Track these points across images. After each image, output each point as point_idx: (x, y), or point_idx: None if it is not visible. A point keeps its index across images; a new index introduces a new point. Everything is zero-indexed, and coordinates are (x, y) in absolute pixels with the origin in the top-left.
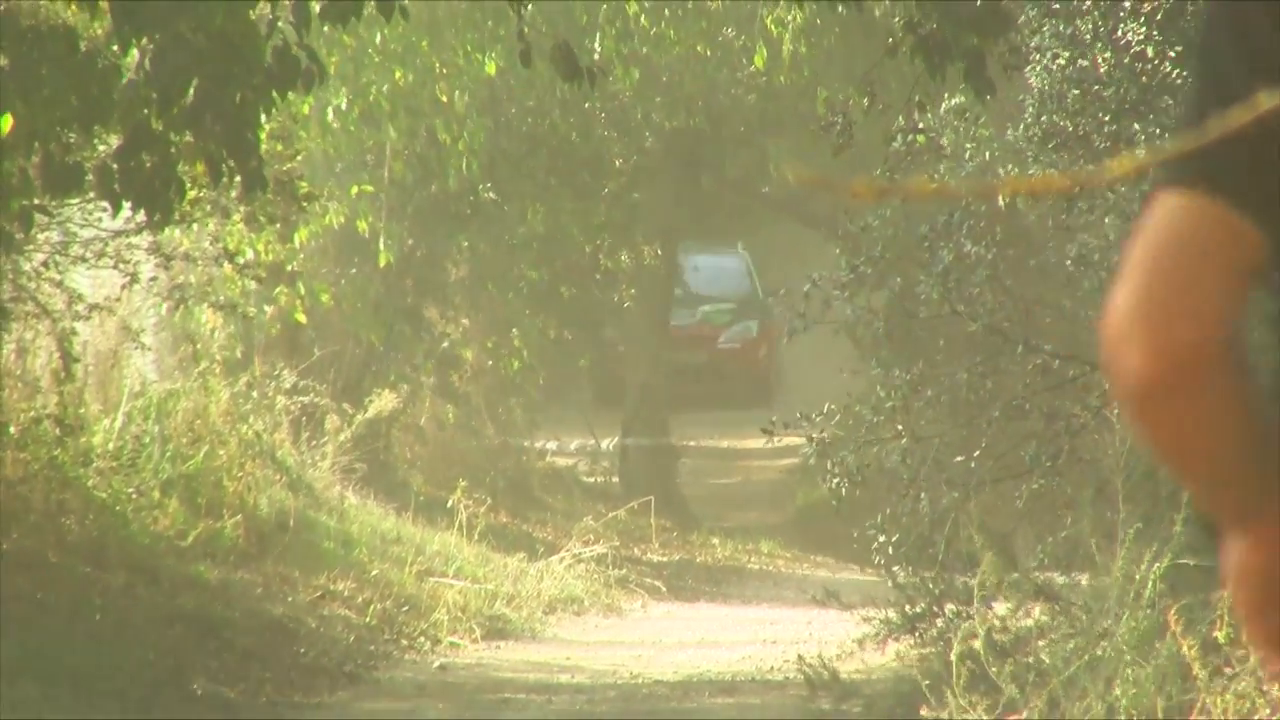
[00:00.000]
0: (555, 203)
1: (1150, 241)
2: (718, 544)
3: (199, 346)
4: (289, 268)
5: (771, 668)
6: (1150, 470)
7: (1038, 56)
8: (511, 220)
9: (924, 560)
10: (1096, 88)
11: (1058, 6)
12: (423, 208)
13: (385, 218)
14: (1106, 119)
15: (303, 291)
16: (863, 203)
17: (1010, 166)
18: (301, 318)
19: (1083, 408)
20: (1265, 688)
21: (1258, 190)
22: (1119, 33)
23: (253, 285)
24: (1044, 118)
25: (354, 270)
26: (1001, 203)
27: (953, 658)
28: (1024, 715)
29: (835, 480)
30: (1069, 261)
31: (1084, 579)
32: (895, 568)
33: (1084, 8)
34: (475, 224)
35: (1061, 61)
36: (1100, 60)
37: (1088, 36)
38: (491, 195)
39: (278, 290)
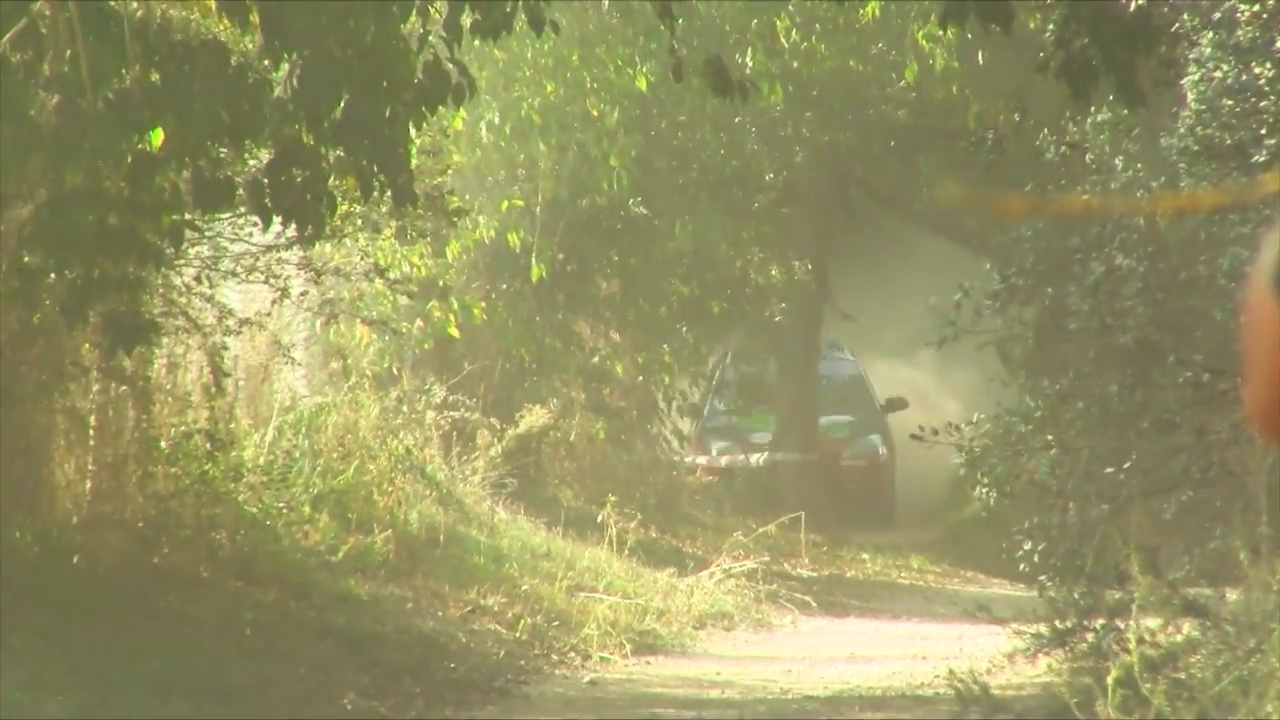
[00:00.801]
0: (705, 217)
1: (1271, 358)
2: (868, 559)
3: (349, 361)
4: (441, 282)
5: (922, 683)
6: None
7: (1195, 68)
8: (661, 235)
9: (1072, 572)
10: (1254, 99)
11: (1218, 17)
12: (573, 223)
13: (537, 233)
14: (1264, 131)
15: (455, 306)
16: (1014, 218)
17: (1161, 179)
18: (454, 332)
19: (1233, 422)
20: None
21: None
22: (1278, 44)
23: (404, 300)
24: (1199, 130)
25: (505, 285)
26: (1158, 219)
27: (1109, 681)
28: None
29: (984, 490)
30: (1221, 275)
31: (1232, 594)
32: (1044, 579)
33: (1244, 18)
34: (625, 239)
35: (1222, 73)
36: (1259, 71)
37: (1246, 47)
38: (642, 210)
39: (430, 305)
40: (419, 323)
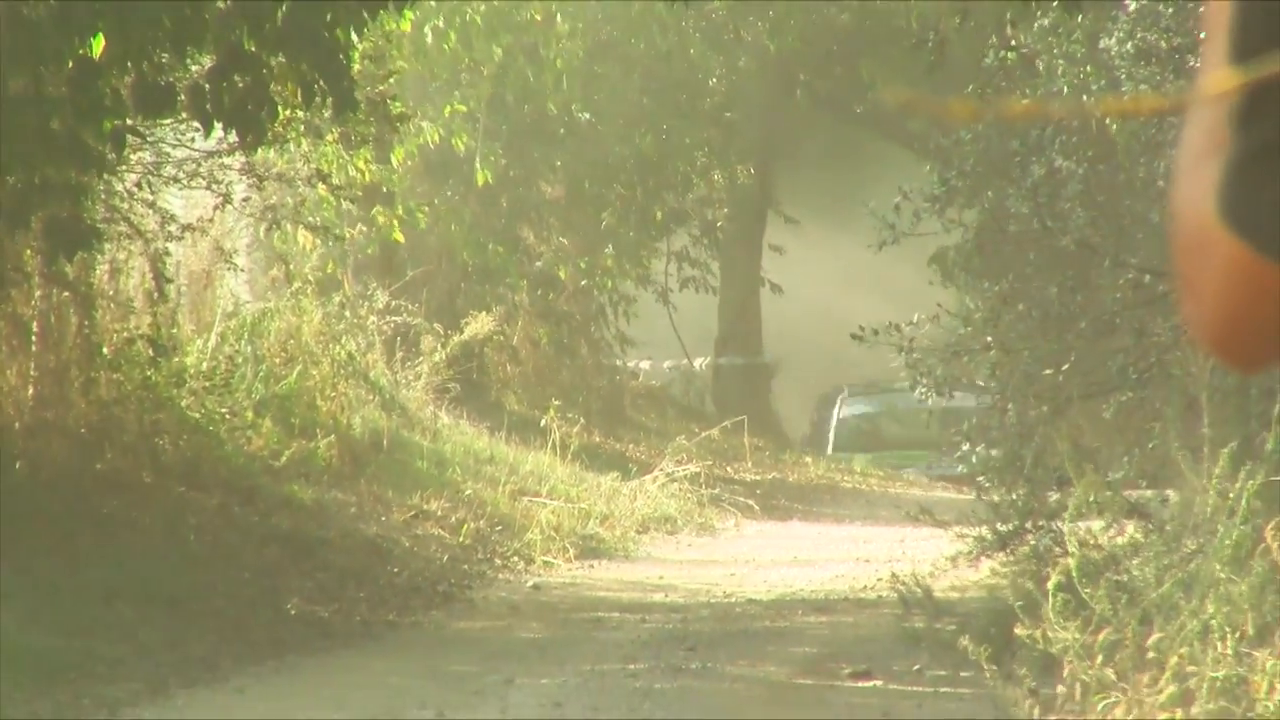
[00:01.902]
0: (649, 123)
1: (1221, 289)
2: (810, 463)
3: (292, 267)
4: (385, 188)
5: (865, 586)
6: (1241, 386)
7: None
8: (606, 140)
9: (1012, 475)
10: (1191, 4)
11: None
12: (518, 128)
13: (481, 138)
14: (1201, 36)
15: (399, 211)
16: (957, 121)
17: (1102, 82)
18: (399, 236)
19: (1172, 324)
20: None
21: None
22: None
23: (347, 205)
24: (1138, 34)
25: (449, 192)
26: (1094, 123)
27: (1049, 585)
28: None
29: (924, 391)
30: (1159, 178)
31: (1173, 495)
32: (984, 481)
33: None
34: (570, 144)
35: None
36: None
37: None
38: (586, 115)
39: (375, 210)
40: (361, 228)
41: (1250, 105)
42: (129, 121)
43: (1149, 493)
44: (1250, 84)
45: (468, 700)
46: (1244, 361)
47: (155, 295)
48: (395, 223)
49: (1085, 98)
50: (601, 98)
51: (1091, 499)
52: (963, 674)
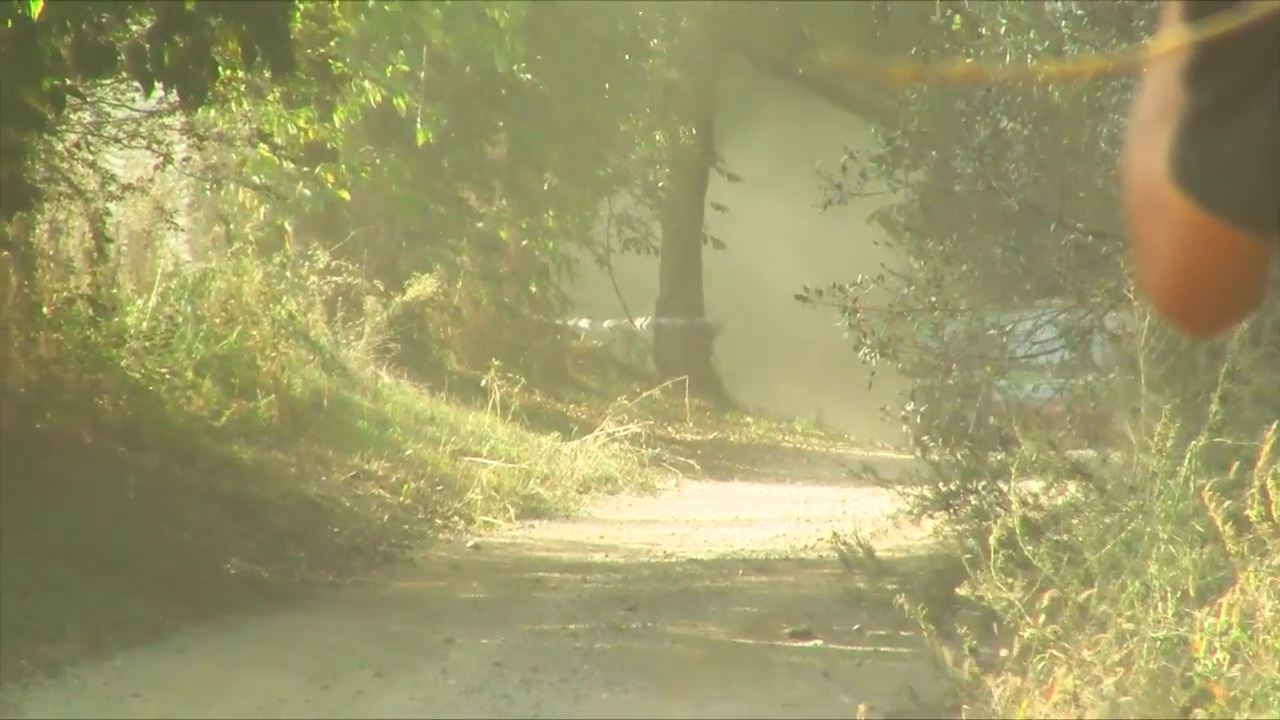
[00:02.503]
0: (592, 83)
1: (1174, 253)
2: (751, 423)
3: (232, 227)
4: (329, 145)
5: (806, 546)
6: (1186, 349)
7: None
8: (548, 101)
9: (955, 435)
10: None
11: None
12: (461, 89)
13: (422, 98)
14: None
15: (342, 170)
16: (899, 84)
17: (1046, 44)
18: (345, 194)
19: (1116, 284)
20: None
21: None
22: None
23: (289, 165)
24: None
25: (391, 153)
26: (1036, 86)
27: (991, 543)
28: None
29: (866, 352)
30: (1103, 140)
31: (1115, 456)
32: (927, 441)
33: None
34: (513, 105)
35: None
36: None
37: None
38: (528, 76)
39: (318, 169)
40: (304, 189)
41: (1201, 65)
42: (69, 81)
43: (1091, 453)
44: (1201, 44)
45: (408, 660)
46: (1197, 325)
47: (95, 255)
48: (338, 181)
49: (1029, 60)
50: (544, 58)
51: (1034, 459)
52: (903, 633)
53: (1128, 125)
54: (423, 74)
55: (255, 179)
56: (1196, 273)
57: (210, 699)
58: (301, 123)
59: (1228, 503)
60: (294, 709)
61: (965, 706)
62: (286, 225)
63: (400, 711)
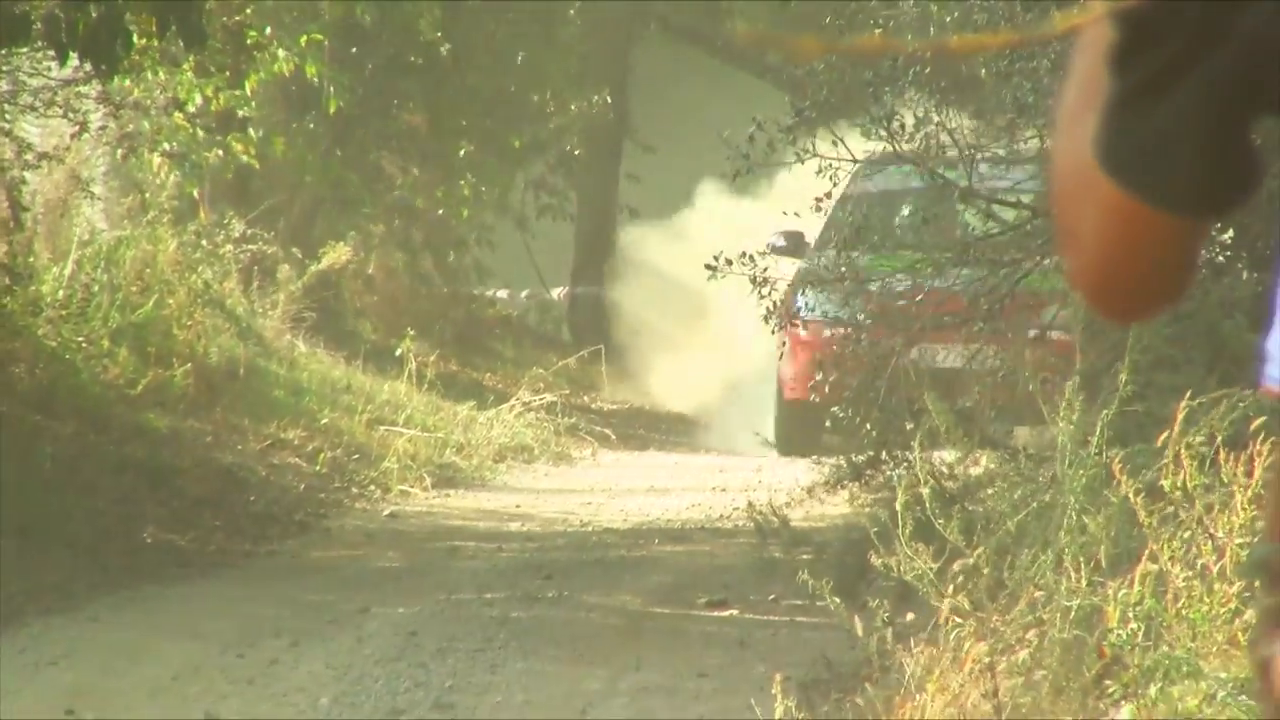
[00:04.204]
0: (505, 53)
1: (1100, 237)
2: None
3: (148, 195)
4: (240, 113)
5: (721, 515)
6: (1097, 323)
7: None
8: (462, 69)
9: (867, 405)
10: None
11: None
12: (376, 57)
13: (334, 66)
14: None
15: (254, 138)
16: (809, 56)
17: (955, 15)
18: (254, 161)
19: (1025, 253)
20: (1210, 532)
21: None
22: None
23: (203, 133)
24: None
25: (309, 122)
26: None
27: (898, 511)
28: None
29: (775, 322)
30: (1008, 109)
31: (1021, 429)
32: (838, 411)
33: None
34: (428, 73)
35: None
36: None
37: None
38: (445, 47)
39: (229, 136)
40: (218, 155)
41: (1125, 48)
42: None
43: (1002, 425)
44: (1125, 26)
45: (323, 628)
46: (1125, 310)
47: (11, 224)
48: (249, 148)
49: (933, 26)
50: (460, 27)
51: (944, 429)
52: (819, 603)
53: (1055, 109)
54: (333, 43)
55: (167, 145)
56: (1124, 257)
57: (126, 666)
58: (210, 91)
59: (1143, 473)
60: (210, 677)
61: (878, 676)
62: (197, 194)
63: (315, 680)
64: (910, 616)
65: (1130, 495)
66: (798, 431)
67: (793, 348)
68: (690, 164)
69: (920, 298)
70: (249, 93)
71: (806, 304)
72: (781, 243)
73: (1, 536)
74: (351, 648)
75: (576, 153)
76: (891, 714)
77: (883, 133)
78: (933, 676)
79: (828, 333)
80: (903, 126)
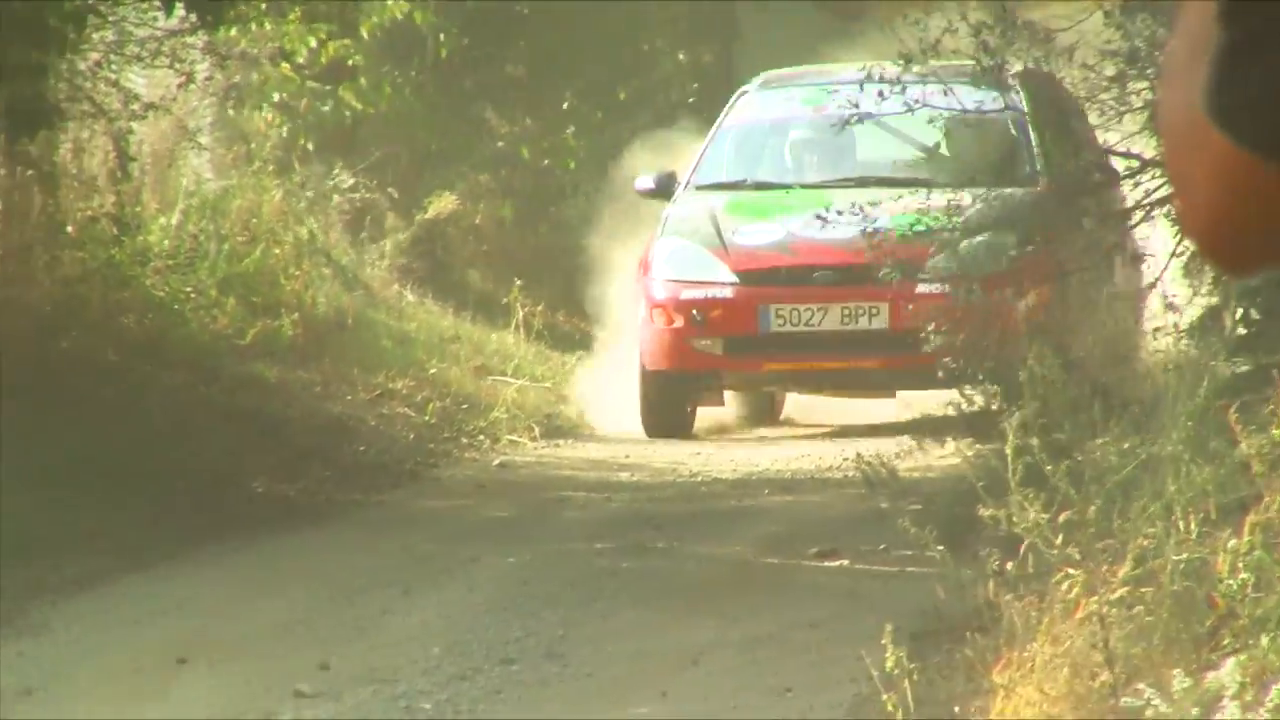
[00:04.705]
0: (611, 3)
1: (1212, 190)
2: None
3: (253, 146)
4: (350, 62)
5: (830, 465)
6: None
7: None
8: (569, 19)
9: (977, 355)
10: None
11: None
12: (481, 7)
13: (442, 15)
14: None
15: (363, 85)
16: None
17: None
18: (370, 108)
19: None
20: None
21: None
22: None
23: (311, 84)
24: None
25: (413, 72)
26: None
27: (1009, 460)
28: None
29: (888, 271)
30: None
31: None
32: (949, 362)
33: None
34: (533, 24)
35: None
36: None
37: None
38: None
39: (340, 86)
40: (324, 106)
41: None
42: (90, 1)
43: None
44: None
45: (434, 577)
46: (1236, 262)
47: (119, 174)
48: (359, 97)
49: None
50: None
51: (1056, 379)
52: (929, 553)
53: (1164, 63)
54: None
55: (275, 96)
56: (1234, 209)
57: (238, 615)
58: (315, 41)
59: (1253, 423)
60: (321, 626)
61: (987, 627)
62: (308, 144)
63: (427, 629)
64: (1018, 567)
65: (1243, 446)
66: (663, 409)
67: (649, 310)
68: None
69: (1031, 248)
70: (365, 37)
71: (665, 256)
72: (650, 184)
73: (113, 487)
74: (463, 597)
75: (690, 100)
76: (1001, 664)
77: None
78: (1042, 627)
79: (691, 294)
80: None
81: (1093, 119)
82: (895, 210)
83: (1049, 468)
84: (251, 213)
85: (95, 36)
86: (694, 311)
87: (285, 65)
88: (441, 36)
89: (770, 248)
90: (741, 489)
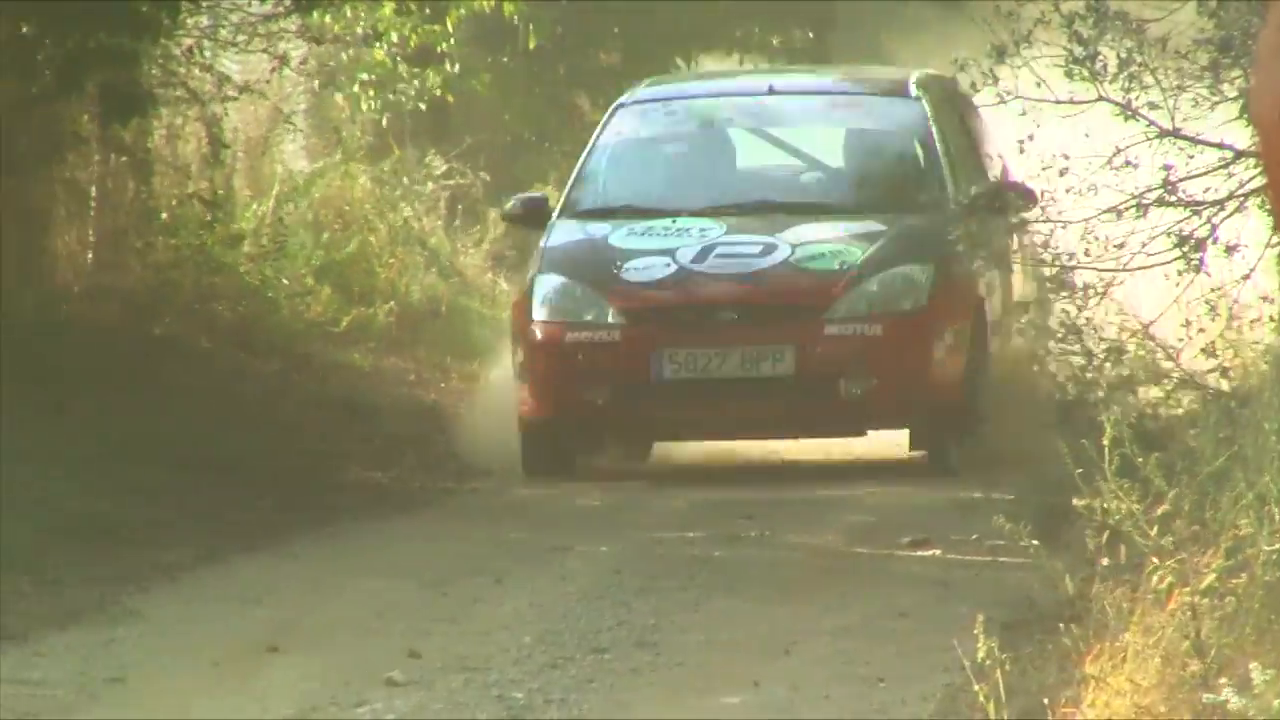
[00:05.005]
0: None
1: None
2: None
3: (345, 134)
4: (440, 48)
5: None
6: None
7: None
8: (663, 6)
9: (1068, 343)
10: None
11: None
12: None
13: (532, 3)
14: None
15: (451, 72)
16: None
17: None
18: (449, 95)
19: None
20: None
21: None
22: None
23: (402, 68)
24: None
25: (505, 59)
26: None
27: (1105, 457)
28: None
29: (980, 261)
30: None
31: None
32: (1044, 353)
33: None
34: (625, 10)
35: None
36: None
37: None
38: None
39: (428, 70)
40: (414, 90)
41: None
42: None
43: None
44: None
45: (526, 566)
46: None
47: (211, 159)
48: (447, 83)
49: None
50: None
51: (1144, 370)
52: (1020, 544)
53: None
54: None
55: (367, 78)
56: None
57: (327, 603)
58: (407, 28)
59: None
60: (412, 614)
61: (1079, 617)
62: (386, 125)
63: (519, 618)
64: (1111, 558)
65: None
66: (545, 458)
67: (531, 349)
68: None
69: (1123, 242)
70: (450, 27)
71: (545, 295)
72: (519, 210)
73: (203, 473)
74: (554, 585)
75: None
76: (1092, 654)
77: (1085, 72)
78: (1134, 617)
79: (575, 336)
80: (1105, 67)
81: (1186, 109)
82: (795, 239)
83: (1140, 459)
84: (344, 199)
85: (189, 21)
86: (579, 356)
87: (377, 48)
88: (531, 26)
89: (661, 284)
90: (833, 477)
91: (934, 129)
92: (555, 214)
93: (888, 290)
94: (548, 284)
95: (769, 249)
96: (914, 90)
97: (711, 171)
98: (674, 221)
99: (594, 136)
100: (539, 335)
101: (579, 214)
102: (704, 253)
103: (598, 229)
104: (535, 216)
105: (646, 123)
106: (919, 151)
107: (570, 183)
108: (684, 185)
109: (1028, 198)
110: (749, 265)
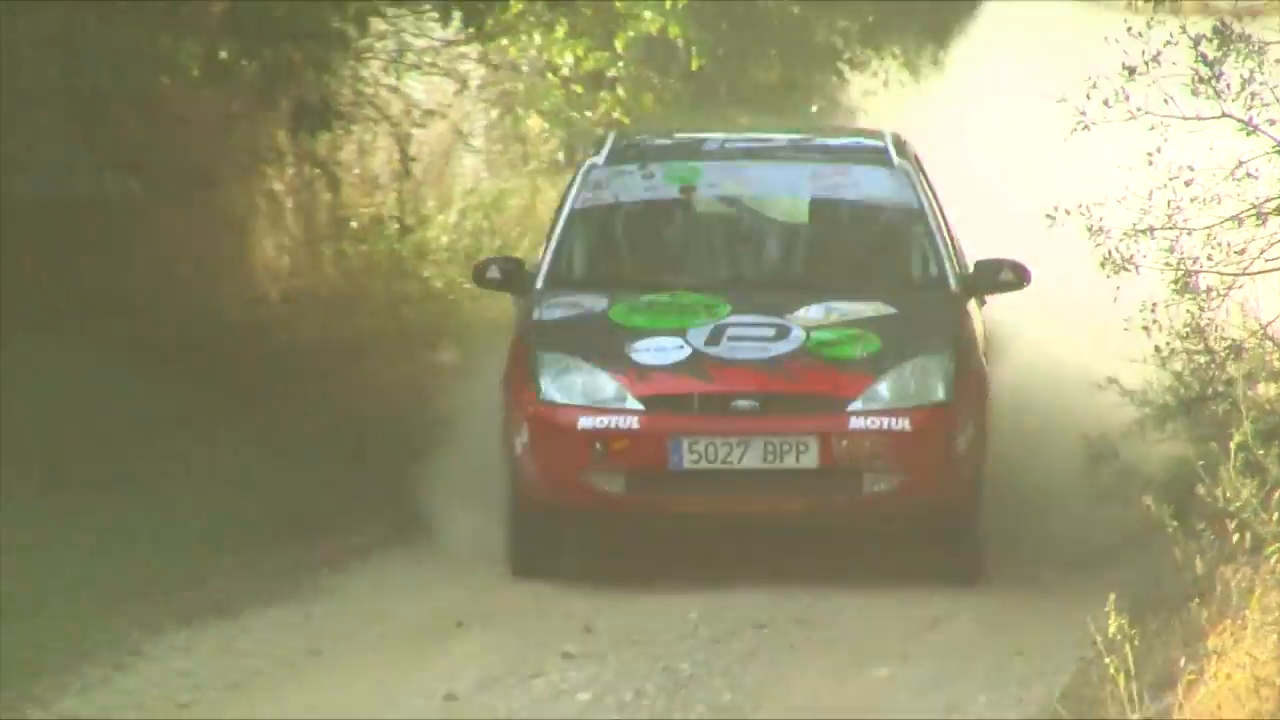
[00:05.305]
0: (852, 9)
1: None
2: None
3: (528, 148)
4: (609, 73)
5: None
6: None
7: None
8: (813, 28)
9: (1194, 343)
10: None
11: None
12: (732, 18)
13: (694, 25)
14: None
15: (621, 95)
16: None
17: None
18: (625, 119)
19: None
20: None
21: None
22: None
23: (577, 89)
24: None
25: (670, 79)
26: None
27: (1232, 446)
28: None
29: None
30: None
31: None
32: (1163, 349)
33: None
34: (782, 33)
35: None
36: None
37: None
38: (794, 9)
39: (600, 94)
40: (589, 114)
41: None
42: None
43: None
44: None
45: (691, 547)
46: None
47: (404, 174)
48: (619, 106)
49: None
50: None
51: (1263, 370)
52: (1151, 528)
53: None
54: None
55: (544, 103)
56: None
57: (508, 582)
58: (580, 51)
59: None
60: (586, 591)
61: (1203, 597)
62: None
63: (685, 596)
64: (1234, 542)
65: None
66: (539, 553)
67: (537, 433)
68: (1020, 114)
69: (1245, 247)
70: (619, 51)
71: (553, 375)
72: (496, 274)
73: (391, 463)
74: (718, 566)
75: None
76: (1214, 632)
77: (1209, 90)
78: (1254, 597)
79: (589, 422)
80: (1229, 85)
81: None
82: (805, 320)
83: (1260, 451)
84: (526, 210)
85: (378, 45)
86: (596, 444)
87: (551, 75)
88: (694, 50)
89: (678, 369)
90: None
91: (924, 199)
92: (540, 280)
93: (912, 381)
94: (554, 362)
95: (782, 332)
96: (895, 157)
97: (705, 242)
98: (673, 296)
99: (566, 197)
100: (549, 418)
101: (569, 283)
102: (716, 334)
103: (593, 302)
104: (514, 282)
105: (625, 186)
106: (914, 226)
107: (552, 248)
108: (678, 256)
109: (1021, 274)
110: (765, 350)
